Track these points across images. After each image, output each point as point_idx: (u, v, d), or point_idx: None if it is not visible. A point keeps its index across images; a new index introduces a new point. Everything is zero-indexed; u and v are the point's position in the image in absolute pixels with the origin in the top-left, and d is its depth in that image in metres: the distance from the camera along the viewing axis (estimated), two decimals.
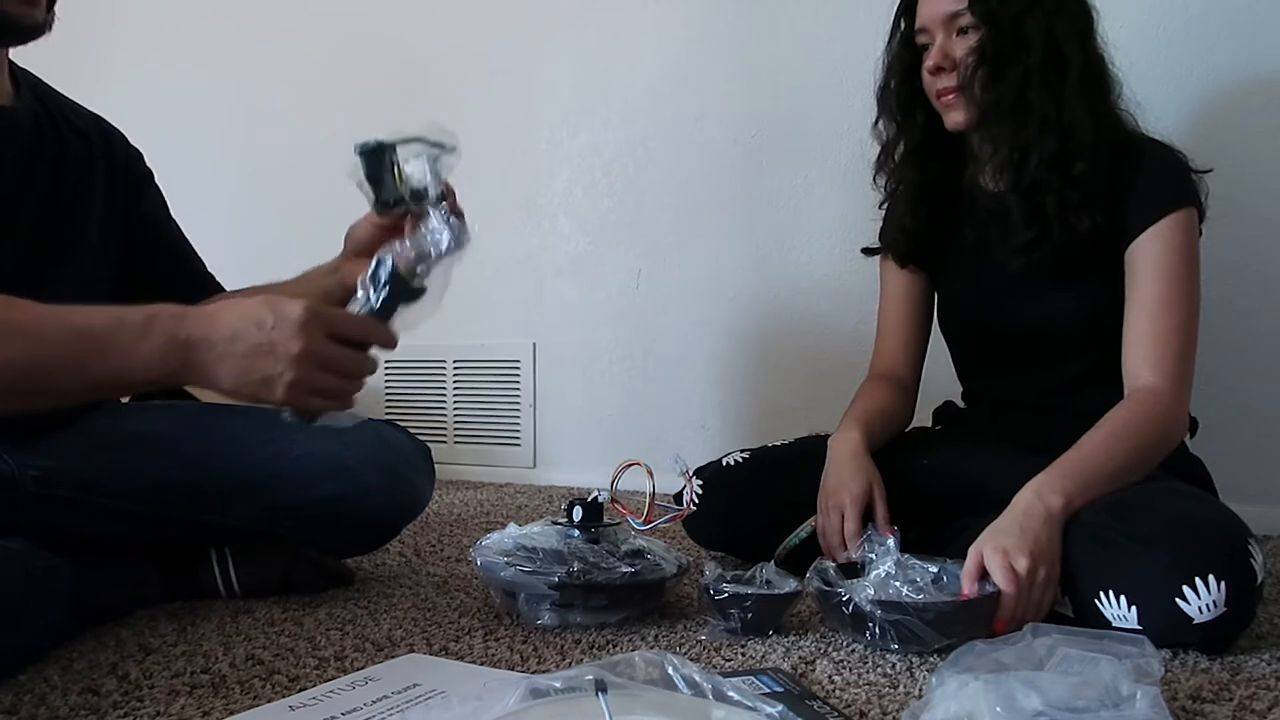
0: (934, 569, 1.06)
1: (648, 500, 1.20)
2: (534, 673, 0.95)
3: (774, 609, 1.11)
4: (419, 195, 1.01)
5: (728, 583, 1.11)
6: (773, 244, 2.17)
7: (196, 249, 1.34)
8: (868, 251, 1.52)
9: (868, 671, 0.96)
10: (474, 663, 0.99)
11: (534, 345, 2.45)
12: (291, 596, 1.26)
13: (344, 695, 0.88)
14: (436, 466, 1.41)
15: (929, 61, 1.29)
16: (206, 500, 1.21)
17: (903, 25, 1.36)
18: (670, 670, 0.73)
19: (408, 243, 0.98)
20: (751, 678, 0.91)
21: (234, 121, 2.77)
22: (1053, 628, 0.85)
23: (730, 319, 2.22)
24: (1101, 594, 1.03)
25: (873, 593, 1.02)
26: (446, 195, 1.03)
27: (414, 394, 2.61)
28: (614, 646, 1.05)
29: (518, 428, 2.48)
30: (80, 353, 0.84)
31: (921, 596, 1.02)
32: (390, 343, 0.94)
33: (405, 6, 2.57)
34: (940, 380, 1.52)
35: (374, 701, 0.86)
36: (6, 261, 1.07)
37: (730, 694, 0.70)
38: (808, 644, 1.06)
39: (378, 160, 1.00)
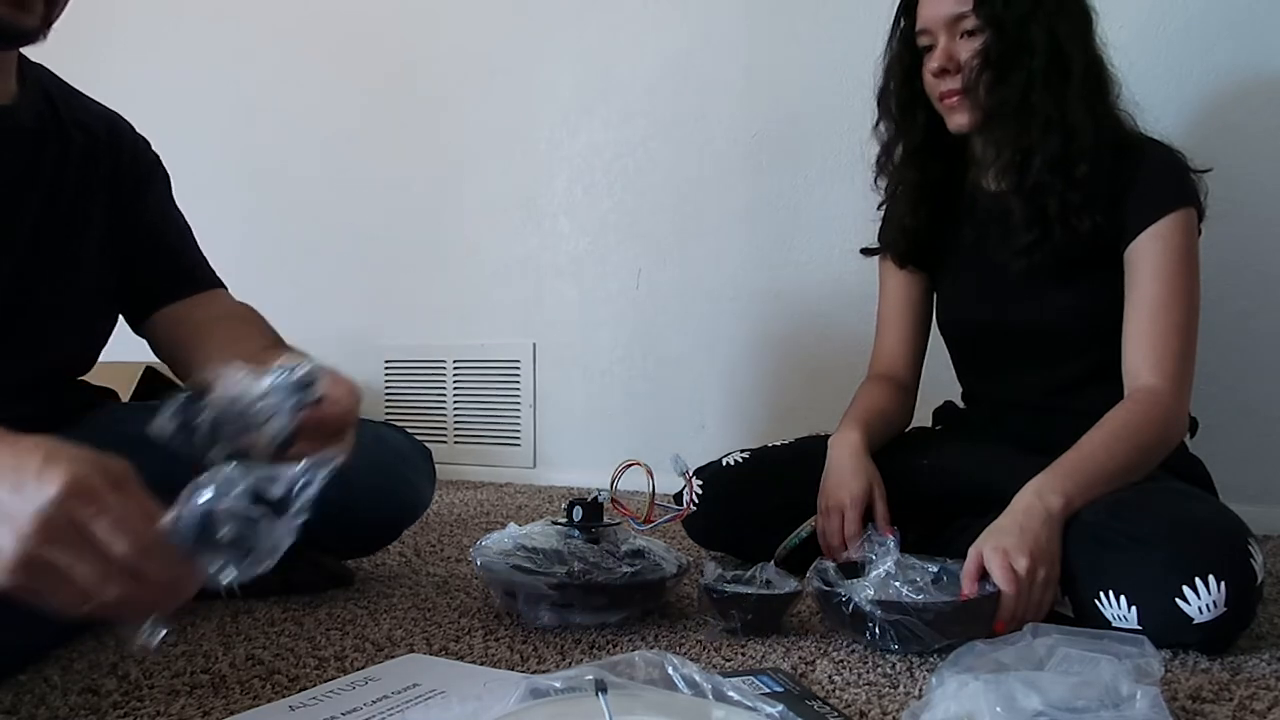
0: (934, 569, 1.06)
1: (648, 500, 1.20)
2: (534, 673, 0.95)
3: (774, 609, 1.11)
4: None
5: (728, 583, 1.11)
6: (773, 244, 2.17)
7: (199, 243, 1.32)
8: (867, 252, 1.52)
9: (868, 671, 0.96)
10: (474, 663, 0.99)
11: (534, 345, 2.46)
12: (291, 596, 1.26)
13: (344, 695, 0.88)
14: (436, 466, 1.41)
15: (933, 64, 1.28)
16: None
17: (902, 23, 1.35)
18: (670, 670, 0.73)
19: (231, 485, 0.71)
20: (751, 678, 0.91)
21: (234, 122, 2.77)
22: (1053, 628, 0.84)
23: (730, 319, 2.22)
24: (1101, 594, 1.03)
25: (872, 593, 1.02)
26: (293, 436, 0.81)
27: (414, 394, 2.61)
28: (614, 646, 1.05)
29: (518, 428, 2.48)
30: None
31: (921, 597, 1.02)
32: (173, 578, 0.68)
33: (405, 6, 2.57)
34: (940, 380, 1.52)
35: (374, 701, 0.85)
36: (8, 261, 1.07)
37: (730, 694, 0.70)
38: (808, 644, 1.06)
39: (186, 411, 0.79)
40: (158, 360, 1.24)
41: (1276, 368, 1.75)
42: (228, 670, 0.96)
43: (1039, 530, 1.05)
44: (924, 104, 1.34)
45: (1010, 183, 1.28)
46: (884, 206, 1.48)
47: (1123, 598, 1.01)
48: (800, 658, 1.01)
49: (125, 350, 1.27)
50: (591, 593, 1.09)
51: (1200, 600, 0.97)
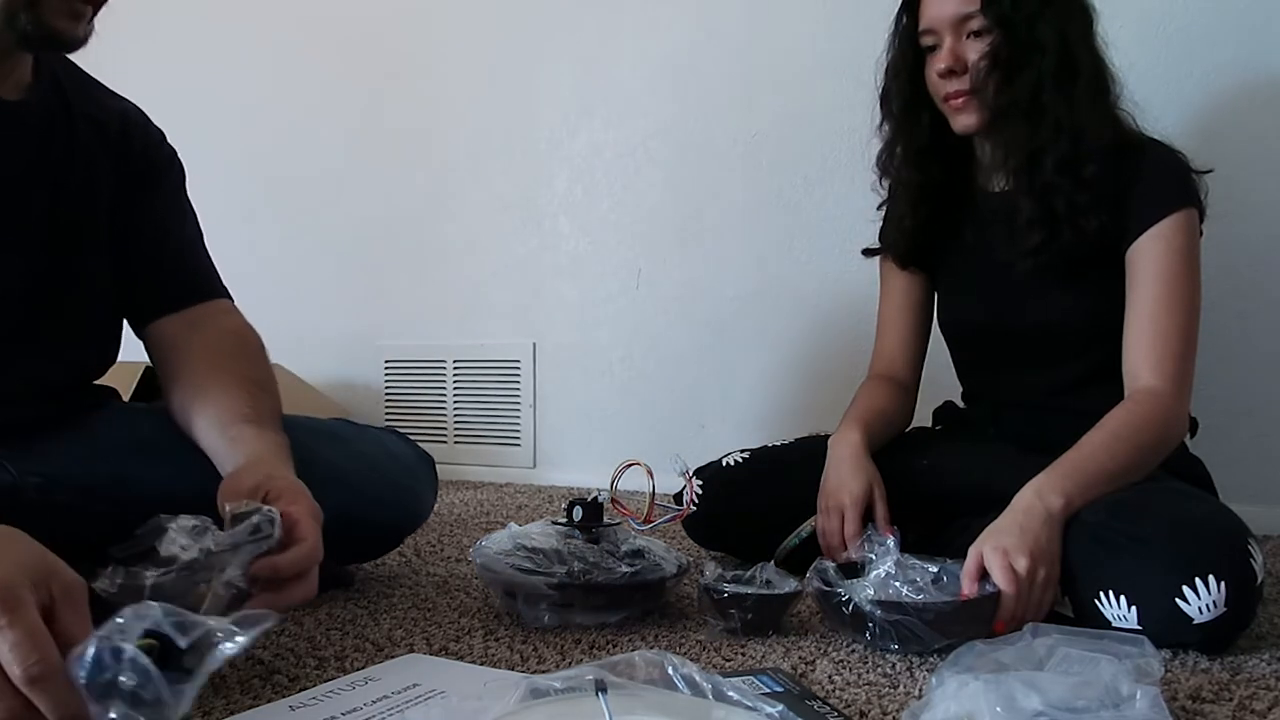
0: (934, 569, 1.06)
1: (648, 500, 1.20)
2: (534, 673, 0.95)
3: (774, 609, 1.11)
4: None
5: (728, 583, 1.11)
6: (772, 244, 2.17)
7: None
8: (868, 252, 1.51)
9: (868, 671, 0.96)
10: (474, 663, 0.99)
11: (534, 345, 2.46)
12: None
13: (344, 695, 0.87)
14: (436, 466, 1.41)
15: (939, 64, 1.27)
16: (210, 509, 1.20)
17: (904, 23, 1.34)
18: (670, 670, 0.73)
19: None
20: (751, 678, 0.91)
21: (234, 122, 2.77)
22: (1053, 628, 0.84)
23: (730, 319, 2.22)
24: (1101, 594, 1.03)
25: (872, 593, 1.02)
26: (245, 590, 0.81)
27: (414, 394, 2.61)
28: (614, 646, 1.05)
29: (518, 428, 2.48)
30: None
31: (921, 597, 1.01)
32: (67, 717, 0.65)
33: (405, 7, 2.57)
34: (940, 380, 1.52)
35: (374, 701, 0.85)
36: (21, 259, 1.06)
37: (730, 694, 0.70)
38: (808, 644, 1.06)
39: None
40: None
41: (1276, 368, 1.75)
42: (228, 670, 0.96)
43: (1039, 530, 1.05)
44: (927, 104, 1.33)
45: (1018, 183, 1.27)
46: (884, 206, 1.48)
47: (1123, 598, 1.01)
48: (800, 658, 1.01)
49: (125, 350, 1.27)
50: (591, 593, 1.09)
51: (1200, 600, 0.97)
